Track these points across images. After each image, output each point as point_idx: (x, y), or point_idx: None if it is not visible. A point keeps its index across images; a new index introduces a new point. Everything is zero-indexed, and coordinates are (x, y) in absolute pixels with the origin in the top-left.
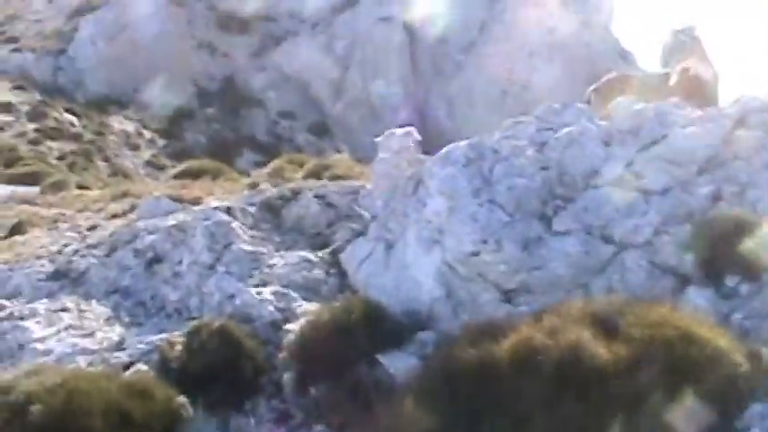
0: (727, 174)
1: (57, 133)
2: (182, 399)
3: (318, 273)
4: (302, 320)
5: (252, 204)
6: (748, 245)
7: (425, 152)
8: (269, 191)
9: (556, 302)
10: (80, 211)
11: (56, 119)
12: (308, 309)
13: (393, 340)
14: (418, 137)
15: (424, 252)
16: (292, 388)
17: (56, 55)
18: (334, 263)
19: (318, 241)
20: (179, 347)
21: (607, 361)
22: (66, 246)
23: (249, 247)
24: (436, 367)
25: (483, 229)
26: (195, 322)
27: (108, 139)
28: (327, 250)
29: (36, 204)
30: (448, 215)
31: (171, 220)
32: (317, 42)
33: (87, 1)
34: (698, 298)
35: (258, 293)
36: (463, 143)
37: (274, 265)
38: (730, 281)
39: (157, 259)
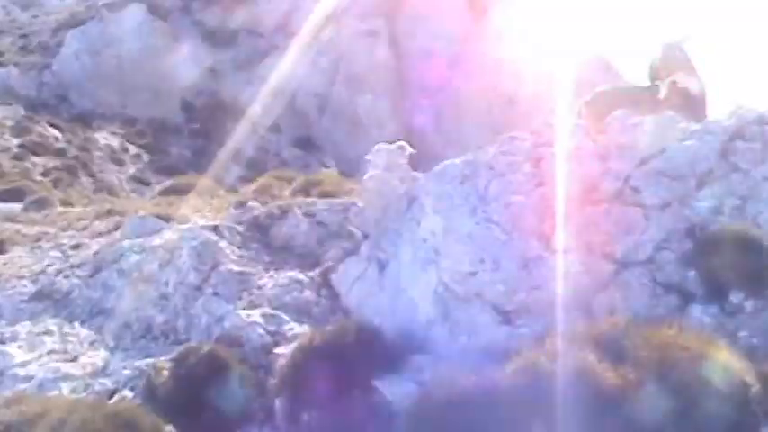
0: (726, 187)
1: (41, 148)
2: (169, 428)
3: (309, 294)
4: (293, 344)
5: (240, 223)
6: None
7: (413, 166)
8: (257, 209)
9: (557, 324)
10: (64, 229)
11: (40, 134)
12: (299, 331)
13: (388, 364)
14: (409, 151)
15: (420, 272)
16: (284, 415)
17: (40, 69)
18: (326, 283)
19: (308, 261)
20: (166, 373)
21: (615, 385)
22: (49, 265)
23: (237, 268)
24: (436, 394)
25: (480, 249)
26: (182, 347)
27: (93, 154)
28: (318, 270)
29: (19, 222)
30: (443, 234)
31: (157, 240)
32: (302, 56)
33: (72, 16)
34: (703, 315)
35: (247, 316)
36: (458, 160)
37: (263, 285)
38: (735, 297)
39: (143, 280)
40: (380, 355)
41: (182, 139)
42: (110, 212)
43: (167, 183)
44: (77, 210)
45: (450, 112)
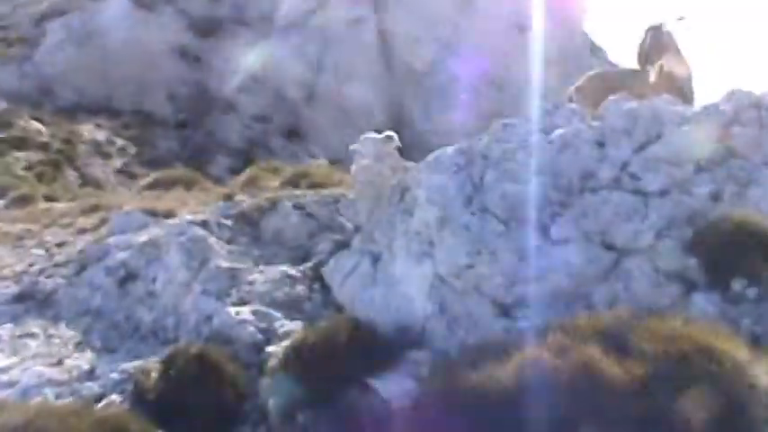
0: (726, 172)
1: (23, 143)
2: None
3: (301, 289)
4: (286, 342)
5: (228, 217)
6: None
7: (402, 155)
8: (245, 202)
9: (558, 317)
10: (47, 226)
11: (23, 128)
12: (291, 328)
13: (384, 361)
14: (398, 143)
15: (414, 265)
16: (278, 415)
17: (22, 62)
18: (317, 277)
19: (299, 254)
20: (155, 375)
21: (621, 380)
22: (32, 265)
23: (227, 264)
24: (436, 393)
25: (477, 240)
26: (172, 348)
27: (78, 147)
28: (309, 264)
29: (0, 219)
30: (439, 226)
31: (144, 236)
32: (288, 45)
33: (54, 6)
34: (707, 304)
35: (237, 313)
36: (451, 148)
37: (254, 281)
38: (737, 284)
39: (130, 278)
40: (376, 351)
41: (168, 131)
42: (95, 208)
43: (154, 176)
44: (62, 205)
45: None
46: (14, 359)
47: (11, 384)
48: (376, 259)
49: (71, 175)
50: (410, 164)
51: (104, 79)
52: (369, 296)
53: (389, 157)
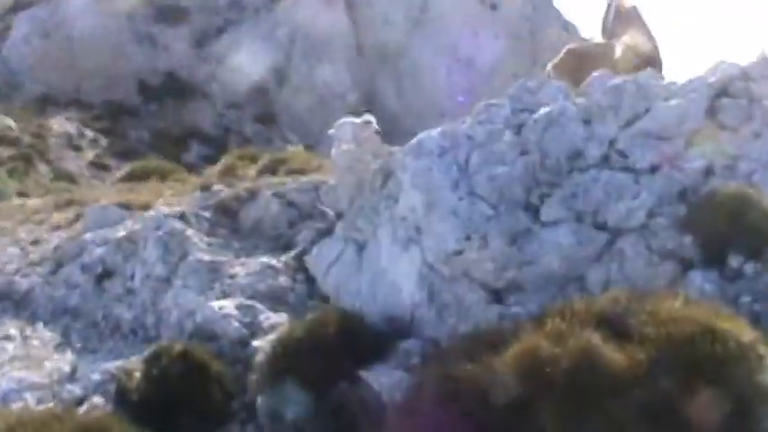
0: (715, 146)
1: None
2: None
3: (284, 280)
4: (271, 336)
5: (206, 208)
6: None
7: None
8: (223, 192)
9: (552, 301)
10: (21, 222)
11: None
12: (276, 321)
13: (374, 352)
14: (377, 126)
15: (401, 252)
16: (267, 413)
17: None
18: (300, 267)
19: (280, 244)
20: (138, 375)
21: (624, 366)
22: (6, 263)
23: (207, 257)
24: (430, 385)
25: (465, 225)
26: (154, 347)
27: (48, 141)
28: (291, 254)
29: None
30: (425, 211)
31: (120, 231)
32: (258, 30)
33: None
34: (704, 282)
35: (220, 308)
36: (435, 131)
37: (236, 274)
38: (734, 261)
39: (108, 274)
40: (365, 343)
41: (140, 121)
42: (69, 202)
43: (127, 168)
44: (35, 201)
45: (410, 79)
46: None
47: None
48: (361, 247)
49: (43, 169)
50: (394, 148)
51: (73, 71)
52: (355, 285)
53: (368, 141)
